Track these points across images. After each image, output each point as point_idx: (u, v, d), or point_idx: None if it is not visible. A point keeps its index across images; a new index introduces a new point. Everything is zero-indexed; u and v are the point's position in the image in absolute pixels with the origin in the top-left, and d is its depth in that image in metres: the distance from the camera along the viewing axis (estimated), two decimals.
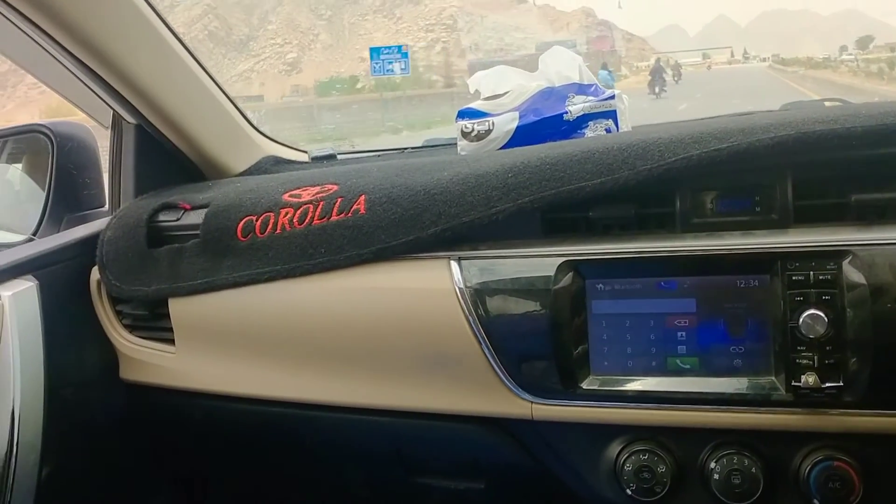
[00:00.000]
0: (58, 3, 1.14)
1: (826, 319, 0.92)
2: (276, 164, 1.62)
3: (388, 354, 1.13)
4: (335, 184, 1.21)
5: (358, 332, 1.15)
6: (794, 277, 0.96)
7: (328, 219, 1.16)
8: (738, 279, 1.00)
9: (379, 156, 1.67)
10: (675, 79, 37.43)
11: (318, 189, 1.21)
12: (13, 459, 1.14)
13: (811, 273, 0.95)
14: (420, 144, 1.72)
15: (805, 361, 0.94)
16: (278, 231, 1.19)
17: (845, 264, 0.94)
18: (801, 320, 0.93)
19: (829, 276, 0.94)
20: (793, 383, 0.95)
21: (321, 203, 1.18)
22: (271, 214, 1.20)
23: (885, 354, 0.93)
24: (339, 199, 1.17)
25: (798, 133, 0.99)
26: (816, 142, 0.98)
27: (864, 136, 0.97)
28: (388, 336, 1.13)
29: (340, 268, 1.15)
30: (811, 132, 0.98)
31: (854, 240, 0.96)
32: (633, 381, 1.03)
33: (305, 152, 1.71)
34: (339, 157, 1.68)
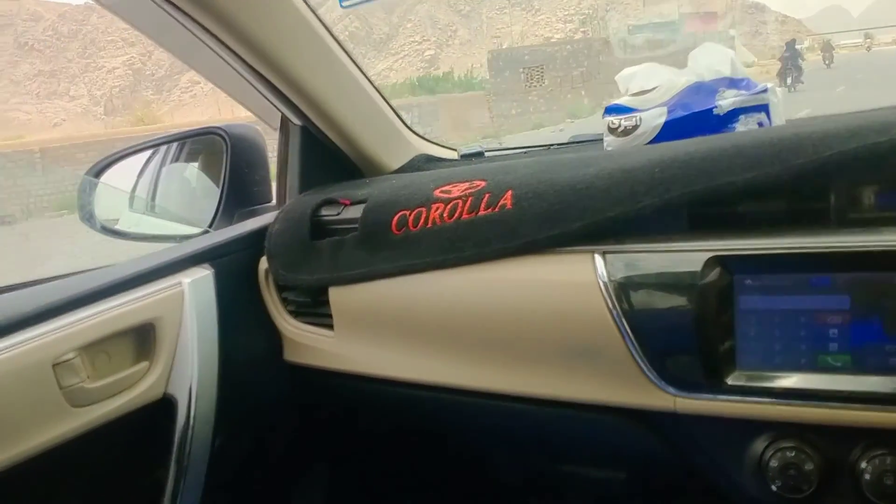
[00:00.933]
0: (231, 12, 1.26)
1: None
2: (428, 161, 1.70)
3: (532, 344, 1.18)
4: (483, 180, 1.27)
5: (503, 323, 1.20)
6: None
7: (476, 213, 1.22)
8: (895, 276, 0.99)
9: (526, 152, 1.72)
10: (827, 62, 32.29)
11: (466, 185, 1.27)
12: (190, 431, 1.28)
13: None
14: (566, 140, 1.75)
15: None
16: (429, 225, 1.26)
17: None
18: None
19: None
20: None
21: (470, 198, 1.24)
22: (423, 209, 1.27)
23: None
24: (487, 195, 1.23)
25: None
26: None
27: None
28: (532, 327, 1.17)
29: (487, 260, 1.20)
30: None
31: None
32: (781, 377, 1.02)
33: (455, 150, 1.79)
34: (486, 154, 1.74)
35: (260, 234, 1.48)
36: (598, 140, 1.55)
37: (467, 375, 1.25)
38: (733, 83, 1.36)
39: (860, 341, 0.99)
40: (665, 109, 1.36)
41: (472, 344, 1.24)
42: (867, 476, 0.99)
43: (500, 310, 1.20)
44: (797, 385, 1.01)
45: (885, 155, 0.98)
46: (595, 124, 1.61)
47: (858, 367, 0.99)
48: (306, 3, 1.39)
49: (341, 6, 1.58)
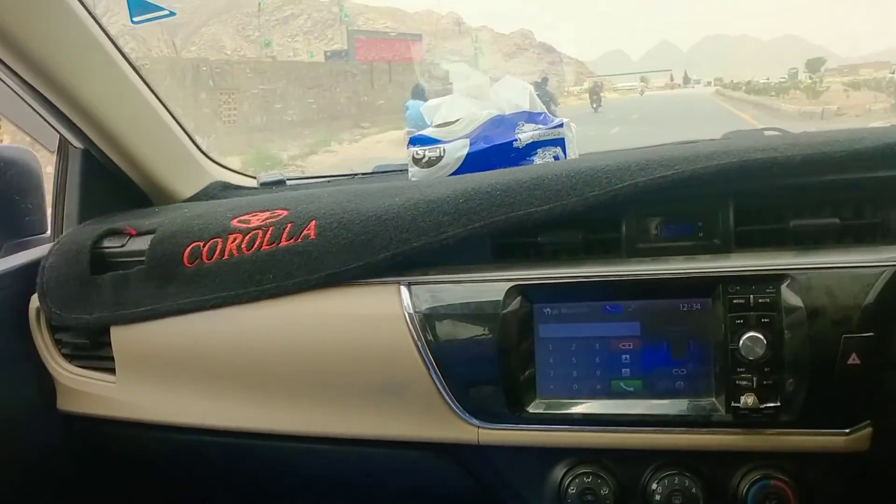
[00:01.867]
0: (3, 23, 1.15)
1: (765, 341, 0.99)
2: (225, 189, 1.64)
3: (335, 381, 1.16)
4: (285, 209, 1.24)
5: (305, 359, 1.17)
6: (734, 301, 1.02)
7: (277, 244, 1.19)
8: (682, 303, 1.06)
9: (329, 181, 1.71)
10: (594, 106, 31.55)
11: (267, 214, 1.24)
12: None
13: (751, 296, 1.01)
14: (371, 170, 1.76)
15: (744, 382, 1.00)
16: (226, 257, 1.21)
17: (784, 288, 1.00)
18: (741, 342, 0.99)
19: (768, 300, 1.01)
20: (732, 404, 1.00)
21: (270, 228, 1.21)
22: (219, 240, 1.22)
23: (821, 375, 0.99)
24: (289, 225, 1.20)
25: (740, 161, 1.06)
26: (757, 170, 1.06)
27: (803, 165, 1.05)
28: (336, 362, 1.15)
29: (289, 294, 1.17)
30: (752, 160, 1.06)
31: (792, 264, 1.02)
32: (579, 404, 1.08)
33: (254, 178, 1.74)
34: (288, 182, 1.71)
35: (31, 268, 1.35)
36: (402, 170, 1.57)
37: (264, 418, 1.21)
38: (532, 117, 1.43)
39: (650, 366, 1.06)
40: (468, 141, 1.41)
41: (271, 384, 1.20)
42: (657, 497, 1.06)
43: (303, 346, 1.17)
44: (593, 411, 1.07)
45: (669, 188, 1.07)
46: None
47: (649, 392, 1.06)
48: (90, 14, 1.28)
49: (132, 22, 1.48)
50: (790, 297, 1.00)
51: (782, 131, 1.51)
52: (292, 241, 1.19)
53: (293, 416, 1.19)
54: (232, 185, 1.68)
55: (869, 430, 1.00)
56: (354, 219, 1.18)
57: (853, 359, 0.98)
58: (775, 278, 1.01)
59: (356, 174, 1.76)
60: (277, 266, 1.18)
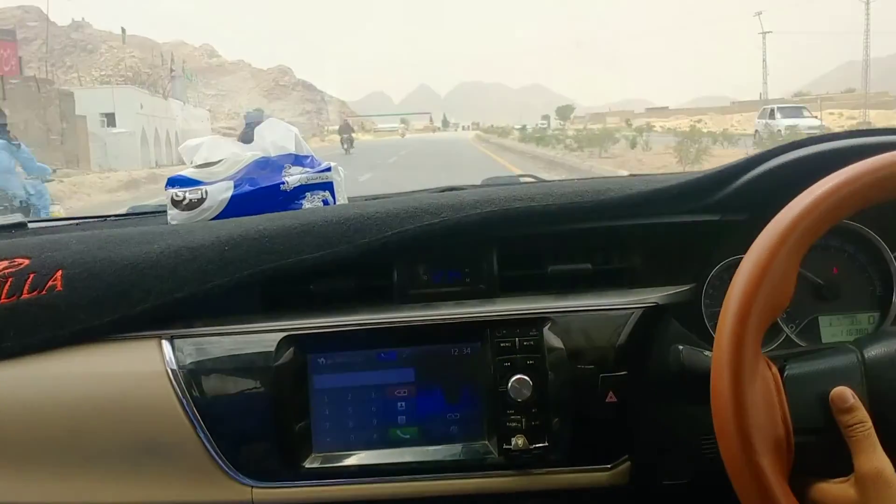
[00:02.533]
0: None
1: (531, 383, 1.04)
2: None
3: (92, 446, 1.06)
4: (26, 257, 1.13)
5: (55, 425, 1.06)
6: (501, 344, 1.07)
7: (18, 297, 1.08)
8: (453, 347, 1.09)
9: (78, 224, 1.58)
10: (345, 147, 30.19)
11: (5, 264, 1.12)
12: None
13: (517, 339, 1.06)
14: (125, 212, 1.67)
15: (514, 424, 1.04)
16: None
17: (546, 330, 1.07)
18: (509, 385, 1.04)
19: (532, 342, 1.06)
20: (504, 446, 1.04)
21: (9, 280, 1.09)
22: None
23: (583, 414, 1.06)
24: (32, 275, 1.10)
25: (502, 210, 1.12)
26: (518, 218, 1.13)
27: (558, 214, 1.14)
28: (91, 426, 1.06)
29: (34, 352, 1.07)
30: (513, 209, 1.12)
31: (552, 307, 1.10)
32: (356, 455, 1.07)
33: None
34: (30, 225, 1.55)
35: None
36: (160, 213, 1.49)
37: (15, 491, 1.07)
38: (298, 160, 1.42)
39: (425, 413, 1.08)
40: (232, 183, 1.36)
41: (20, 453, 1.07)
42: None
43: (52, 410, 1.06)
44: (370, 462, 1.06)
45: (438, 235, 1.11)
46: None
47: (425, 438, 1.08)
48: None
49: None
50: (552, 339, 1.06)
51: (536, 178, 1.63)
52: (35, 293, 1.08)
53: (44, 487, 1.06)
54: None
55: (628, 464, 1.08)
56: (107, 268, 1.09)
57: (610, 396, 1.06)
58: (538, 321, 1.08)
59: (108, 216, 1.64)
60: (18, 322, 1.07)
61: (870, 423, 0.79)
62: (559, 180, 1.50)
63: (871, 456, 0.77)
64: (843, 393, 0.80)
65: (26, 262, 1.12)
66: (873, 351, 0.84)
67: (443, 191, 1.46)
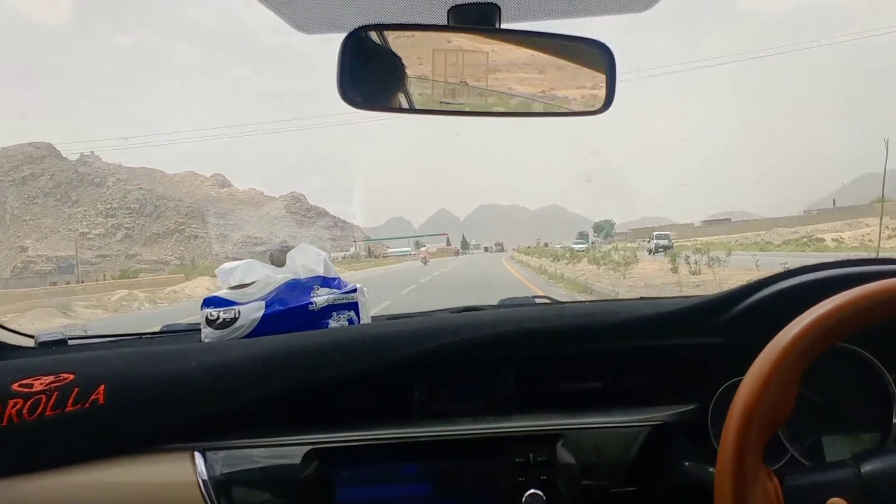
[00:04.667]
0: None
1: (544, 498, 1.12)
2: None
3: None
4: (71, 372, 1.23)
5: None
6: (516, 459, 1.15)
7: (62, 410, 1.17)
8: (470, 463, 1.17)
9: (115, 341, 1.69)
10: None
11: (52, 378, 1.22)
12: None
13: (531, 455, 1.15)
14: (160, 330, 1.77)
15: None
16: (4, 423, 1.16)
17: (559, 447, 1.15)
18: (524, 499, 1.12)
19: (545, 458, 1.15)
20: None
21: (55, 393, 1.18)
22: None
23: None
24: (76, 389, 1.19)
25: (517, 329, 1.24)
26: (532, 337, 1.24)
27: (569, 335, 1.25)
28: None
29: (74, 462, 1.15)
30: (527, 329, 1.24)
31: (564, 424, 1.19)
32: None
33: (32, 336, 1.67)
34: (70, 342, 1.66)
35: None
36: (193, 331, 1.60)
37: None
38: (326, 282, 1.55)
39: None
40: (263, 304, 1.49)
41: None
42: None
43: None
44: None
45: (457, 352, 1.22)
46: None
47: None
48: None
49: None
50: (564, 455, 1.15)
51: (551, 300, 1.75)
52: (79, 406, 1.17)
53: None
54: (7, 344, 1.61)
55: None
56: (147, 382, 1.20)
57: None
58: (551, 438, 1.17)
59: (144, 334, 1.75)
60: (63, 433, 1.16)
61: None
62: (572, 302, 1.63)
63: None
64: None
65: (71, 377, 1.22)
66: (869, 466, 0.91)
67: (461, 311, 1.58)
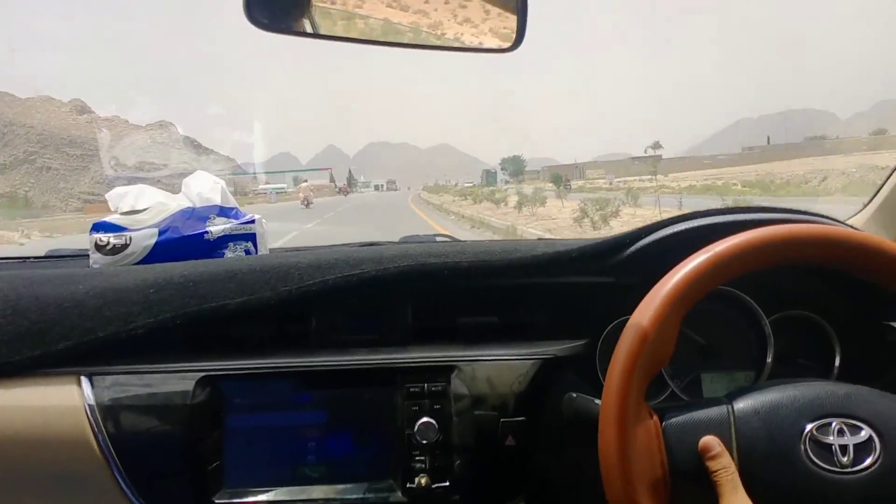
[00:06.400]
0: None
1: (437, 426, 1.18)
2: None
3: (6, 477, 1.16)
4: None
5: None
6: (411, 389, 1.21)
7: None
8: (365, 392, 1.23)
9: None
10: (305, 204, 33.54)
11: None
12: None
13: (426, 385, 1.22)
14: (44, 254, 1.76)
15: (419, 465, 1.19)
16: None
17: (453, 377, 1.23)
18: (416, 427, 1.18)
19: (440, 388, 1.22)
20: (407, 485, 1.18)
21: None
22: None
23: (484, 457, 1.21)
24: None
25: (418, 264, 1.29)
26: (432, 273, 1.29)
27: (469, 270, 1.31)
28: (7, 457, 1.15)
29: None
30: (428, 264, 1.29)
31: (460, 356, 1.25)
32: (265, 492, 1.18)
33: None
34: None
35: None
36: (80, 256, 1.60)
37: None
38: (223, 211, 1.56)
39: (335, 453, 1.21)
40: (156, 231, 1.50)
41: None
42: None
43: None
44: (279, 498, 1.18)
45: (357, 286, 1.26)
46: None
47: (333, 477, 1.21)
48: None
49: None
50: (458, 386, 1.22)
51: (452, 238, 1.82)
52: None
53: None
54: None
55: None
56: (31, 305, 1.20)
57: (510, 440, 1.22)
58: (446, 369, 1.24)
59: (27, 258, 1.74)
60: None
61: (733, 469, 0.95)
62: (473, 241, 1.73)
63: (734, 498, 0.93)
64: (710, 442, 0.97)
65: None
66: (741, 403, 1.01)
67: (362, 245, 1.62)
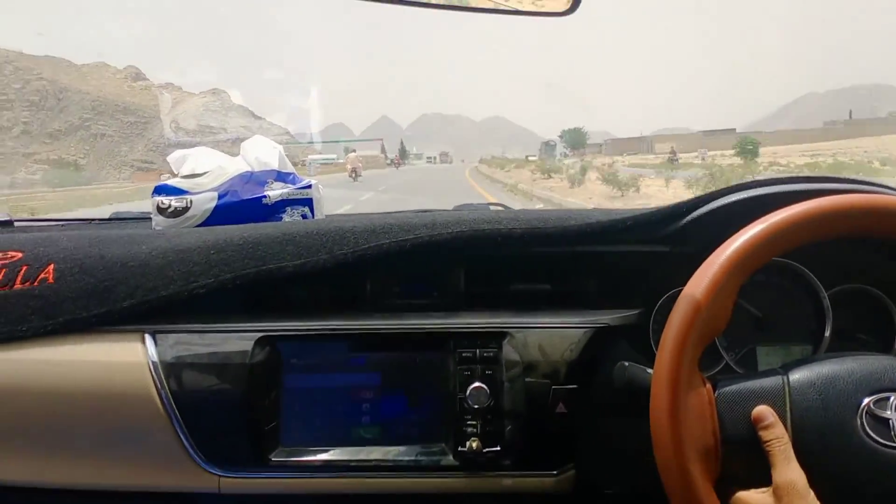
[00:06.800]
0: None
1: (488, 391, 1.20)
2: None
3: (70, 430, 1.21)
4: (20, 251, 1.28)
5: (38, 408, 1.21)
6: (463, 354, 1.24)
7: (10, 287, 1.22)
8: (418, 355, 1.26)
9: (63, 226, 1.74)
10: (352, 177, 36.38)
11: None
12: None
13: (477, 350, 1.24)
14: (109, 216, 1.82)
15: (470, 429, 1.21)
16: None
17: (505, 343, 1.24)
18: (468, 392, 1.20)
19: (491, 354, 1.24)
20: (459, 449, 1.20)
21: (2, 271, 1.24)
22: None
23: (534, 423, 1.22)
24: (25, 267, 1.24)
25: (471, 230, 1.30)
26: (485, 238, 1.30)
27: (522, 238, 1.31)
28: (72, 411, 1.20)
29: (22, 339, 1.21)
30: (481, 230, 1.30)
31: (512, 323, 1.27)
32: (321, 451, 1.22)
33: None
34: (16, 224, 1.72)
35: None
36: (143, 219, 1.65)
37: None
38: (281, 176, 1.60)
39: (388, 414, 1.24)
40: (216, 194, 1.55)
41: (2, 432, 1.22)
42: None
43: (37, 394, 1.21)
44: (334, 458, 1.22)
45: (410, 251, 1.28)
46: None
47: (386, 439, 1.24)
48: None
49: None
50: (510, 352, 1.24)
51: (505, 207, 1.84)
52: (27, 284, 1.23)
53: (25, 466, 1.22)
54: None
55: (572, 472, 1.26)
56: (97, 264, 1.25)
57: (560, 407, 1.23)
58: (498, 335, 1.25)
59: (93, 220, 1.81)
60: (9, 310, 1.22)
61: (787, 439, 0.95)
62: (527, 209, 1.75)
63: (786, 469, 0.93)
64: (763, 411, 0.97)
65: (19, 255, 1.28)
66: (797, 374, 1.01)
67: (417, 213, 1.65)
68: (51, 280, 1.24)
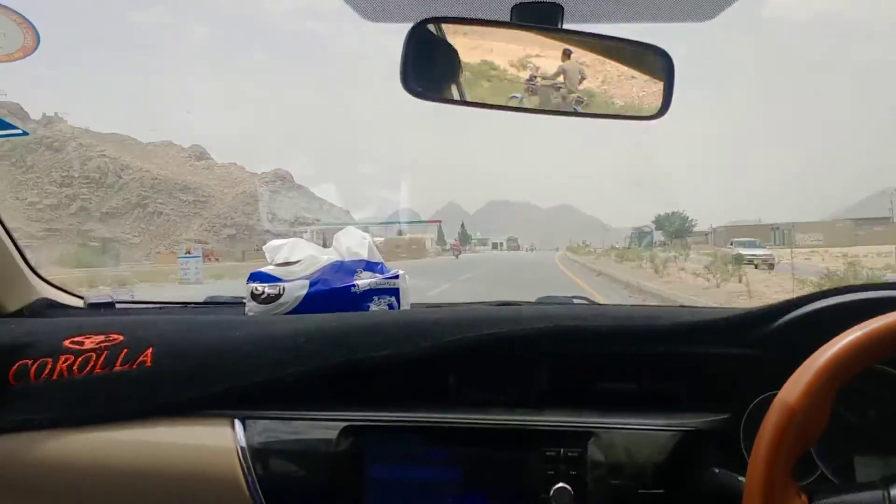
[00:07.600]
0: None
1: (573, 493, 1.20)
2: (50, 307, 1.72)
3: None
4: (121, 334, 1.35)
5: (131, 486, 1.27)
6: (548, 453, 1.24)
7: (111, 369, 1.30)
8: (501, 452, 1.26)
9: (161, 308, 1.85)
10: (455, 254, 38.85)
11: (102, 338, 1.35)
12: None
13: (562, 450, 1.24)
14: (204, 301, 1.92)
15: None
16: (55, 377, 1.30)
17: (590, 444, 1.24)
18: (552, 492, 1.21)
19: (576, 454, 1.24)
20: None
21: (105, 352, 1.31)
22: (49, 360, 1.31)
23: None
24: (125, 350, 1.31)
25: (556, 326, 1.32)
26: (570, 335, 1.32)
27: (608, 336, 1.33)
28: (161, 492, 1.26)
29: (119, 420, 1.28)
30: (566, 327, 1.32)
31: (597, 423, 1.27)
32: None
33: (81, 297, 1.83)
34: (117, 305, 1.82)
35: None
36: (237, 304, 1.74)
37: None
38: (370, 266, 1.68)
39: None
40: (308, 282, 1.63)
41: None
42: None
43: (129, 474, 1.27)
44: None
45: (493, 344, 1.31)
46: None
47: None
48: None
49: None
50: (595, 452, 1.24)
51: (588, 300, 1.85)
52: (127, 366, 1.30)
53: None
54: (58, 303, 1.76)
55: None
56: (193, 349, 1.31)
57: None
58: (583, 435, 1.25)
59: (189, 304, 1.90)
60: (110, 391, 1.29)
61: None
62: (613, 304, 1.76)
63: None
64: None
65: (120, 338, 1.35)
66: None
67: (499, 304, 1.69)
68: (149, 363, 1.32)
